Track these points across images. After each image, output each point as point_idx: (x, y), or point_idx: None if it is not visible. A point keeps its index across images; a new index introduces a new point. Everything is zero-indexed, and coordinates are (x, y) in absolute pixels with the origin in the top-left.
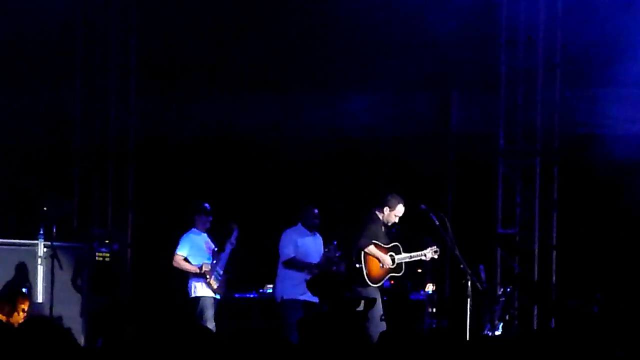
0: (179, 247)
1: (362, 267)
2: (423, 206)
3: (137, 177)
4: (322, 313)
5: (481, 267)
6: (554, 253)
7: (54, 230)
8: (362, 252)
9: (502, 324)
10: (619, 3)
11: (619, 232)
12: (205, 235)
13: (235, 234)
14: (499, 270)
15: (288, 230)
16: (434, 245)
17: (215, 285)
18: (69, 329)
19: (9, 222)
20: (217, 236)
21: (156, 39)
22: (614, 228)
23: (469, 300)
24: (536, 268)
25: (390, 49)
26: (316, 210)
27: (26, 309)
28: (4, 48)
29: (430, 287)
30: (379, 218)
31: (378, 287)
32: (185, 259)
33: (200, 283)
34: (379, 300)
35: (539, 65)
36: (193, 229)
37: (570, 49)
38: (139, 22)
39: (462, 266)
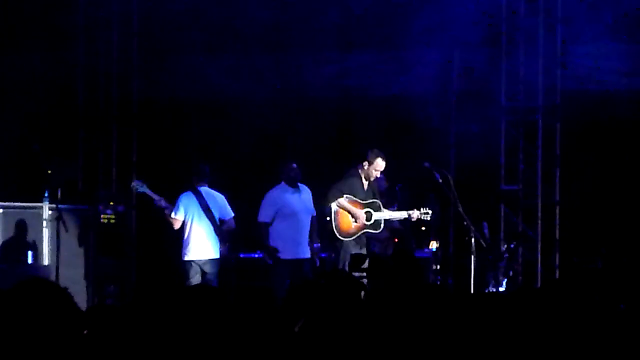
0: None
1: (330, 219)
2: (427, 164)
3: (140, 139)
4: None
5: (484, 224)
6: (557, 209)
7: (59, 192)
8: (331, 205)
9: (505, 280)
10: None
11: (621, 187)
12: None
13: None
14: (502, 226)
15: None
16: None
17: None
18: (66, 289)
19: (15, 185)
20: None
21: None
22: (616, 183)
23: (472, 257)
24: (539, 224)
25: (392, 6)
26: (295, 165)
27: None
28: (7, 10)
29: (434, 245)
30: (359, 173)
31: (354, 240)
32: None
33: (188, 247)
34: (348, 253)
35: (540, 21)
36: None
37: (571, 5)
38: None
39: (465, 223)
